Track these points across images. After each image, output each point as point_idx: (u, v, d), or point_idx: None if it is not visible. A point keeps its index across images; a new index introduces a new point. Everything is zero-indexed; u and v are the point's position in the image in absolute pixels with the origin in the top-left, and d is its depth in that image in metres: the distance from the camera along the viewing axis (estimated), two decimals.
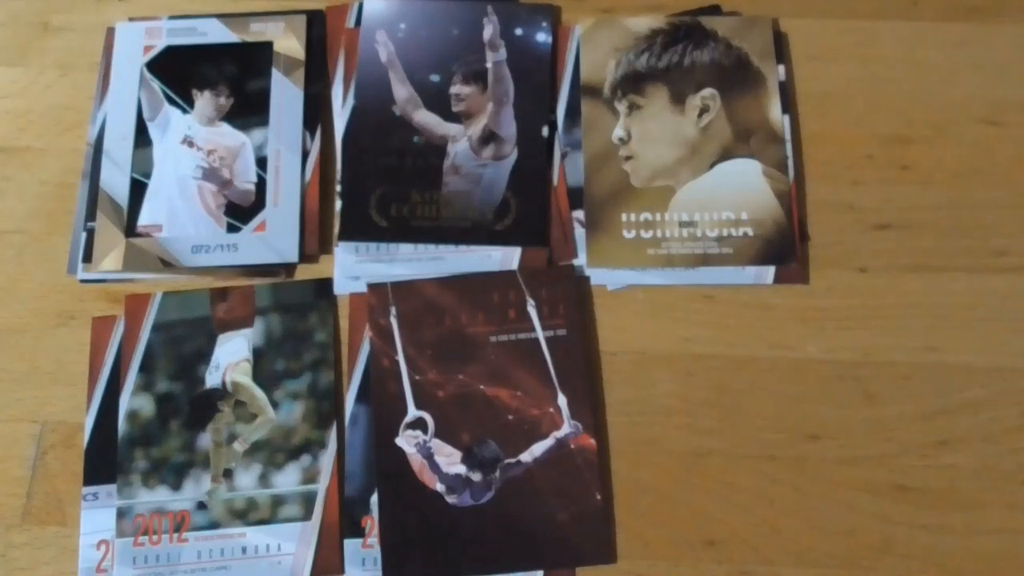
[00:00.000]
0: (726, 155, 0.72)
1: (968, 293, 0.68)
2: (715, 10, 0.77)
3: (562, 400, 0.65)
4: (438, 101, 0.74)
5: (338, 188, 0.72)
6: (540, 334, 0.67)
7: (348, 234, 0.71)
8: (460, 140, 0.73)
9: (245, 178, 0.72)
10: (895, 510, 0.63)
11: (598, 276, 0.70)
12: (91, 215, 0.72)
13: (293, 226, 0.71)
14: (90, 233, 0.71)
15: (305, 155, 0.73)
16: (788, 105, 0.73)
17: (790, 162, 0.72)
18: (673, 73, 0.74)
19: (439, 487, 0.64)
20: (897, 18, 0.77)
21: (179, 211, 0.72)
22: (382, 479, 0.64)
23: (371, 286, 0.69)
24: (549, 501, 0.63)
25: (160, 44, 0.76)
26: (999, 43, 0.76)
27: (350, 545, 0.63)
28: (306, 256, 0.71)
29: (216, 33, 0.77)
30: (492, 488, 0.64)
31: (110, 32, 0.78)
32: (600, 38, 0.76)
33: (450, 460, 0.64)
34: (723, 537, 0.63)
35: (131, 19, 0.79)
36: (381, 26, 0.76)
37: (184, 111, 0.74)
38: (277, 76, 0.75)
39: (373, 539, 0.63)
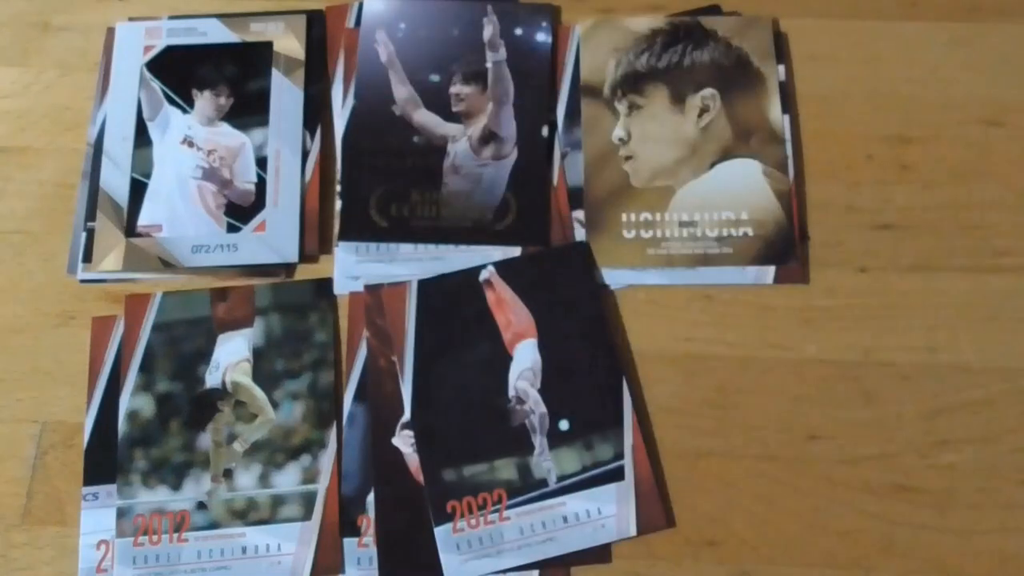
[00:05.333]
0: (726, 155, 0.72)
1: (968, 293, 0.68)
2: (715, 10, 0.77)
3: None
4: (438, 101, 0.74)
5: (338, 188, 0.72)
6: None
7: (348, 234, 0.71)
8: (460, 140, 0.73)
9: (245, 178, 0.72)
10: (895, 510, 0.63)
11: (598, 276, 0.70)
12: (91, 215, 0.72)
13: (293, 226, 0.71)
14: (90, 233, 0.71)
15: (305, 155, 0.73)
16: (788, 105, 0.73)
17: (790, 162, 0.72)
18: (673, 73, 0.74)
19: None
20: (897, 18, 0.77)
21: (179, 211, 0.72)
22: (378, 478, 0.64)
23: (368, 287, 0.69)
24: None
25: (160, 44, 0.76)
26: (999, 43, 0.76)
27: (346, 544, 0.63)
28: (306, 256, 0.71)
29: (216, 33, 0.77)
30: None
31: (110, 32, 0.78)
32: (600, 38, 0.76)
33: None
34: (723, 537, 0.63)
35: (131, 19, 0.79)
36: (381, 26, 0.76)
37: (184, 111, 0.74)
38: (277, 76, 0.75)
39: (369, 538, 0.63)
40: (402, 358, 0.66)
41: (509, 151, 0.72)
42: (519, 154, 0.72)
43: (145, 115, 0.74)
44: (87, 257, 0.71)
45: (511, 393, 0.64)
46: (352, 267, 0.70)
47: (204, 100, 0.75)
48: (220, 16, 0.77)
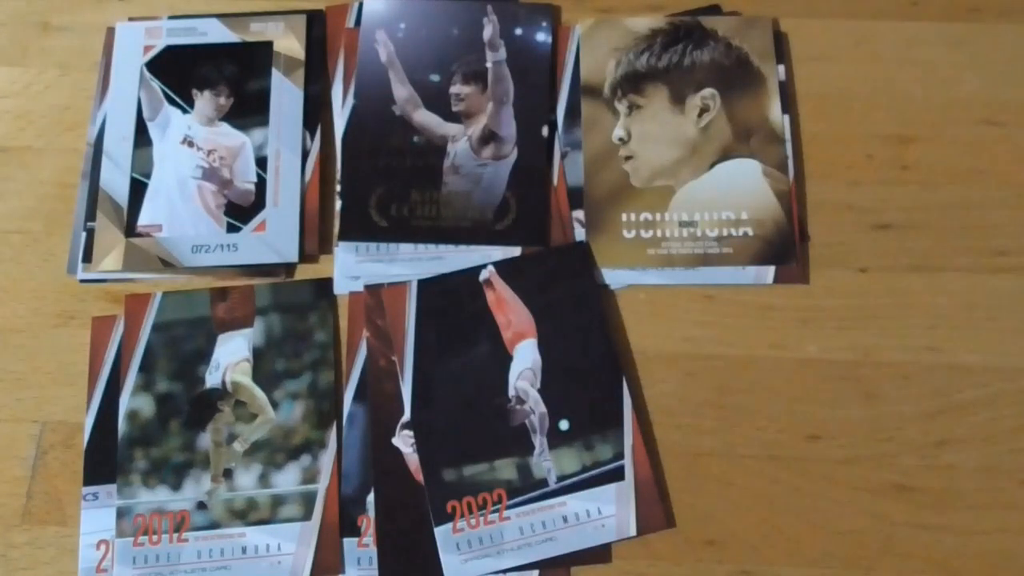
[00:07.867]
0: (726, 155, 0.72)
1: (968, 293, 0.68)
2: (715, 10, 0.77)
3: None
4: (438, 101, 0.74)
5: (338, 188, 0.72)
6: None
7: (348, 234, 0.71)
8: (460, 140, 0.73)
9: (245, 178, 0.72)
10: (895, 510, 0.63)
11: (598, 276, 0.70)
12: (91, 215, 0.72)
13: (293, 226, 0.71)
14: (90, 233, 0.71)
15: (305, 155, 0.73)
16: (788, 105, 0.73)
17: (790, 162, 0.72)
18: (673, 73, 0.74)
19: None
20: (897, 18, 0.77)
21: (179, 211, 0.72)
22: (378, 478, 0.64)
23: (368, 287, 0.69)
24: None
25: (160, 44, 0.76)
26: (999, 43, 0.76)
27: (346, 544, 0.63)
28: (306, 256, 0.71)
29: (216, 33, 0.77)
30: None
31: (110, 32, 0.78)
32: (600, 38, 0.76)
33: None
34: (723, 537, 0.63)
35: (131, 19, 0.79)
36: (381, 26, 0.76)
37: (184, 111, 0.74)
38: (277, 76, 0.75)
39: (369, 538, 0.63)
40: (402, 358, 0.66)
41: (509, 151, 0.72)
42: (519, 154, 0.72)
43: (145, 115, 0.74)
44: (87, 257, 0.71)
45: (511, 393, 0.65)
46: (352, 267, 0.70)
47: (204, 100, 0.75)
48: (220, 16, 0.77)
